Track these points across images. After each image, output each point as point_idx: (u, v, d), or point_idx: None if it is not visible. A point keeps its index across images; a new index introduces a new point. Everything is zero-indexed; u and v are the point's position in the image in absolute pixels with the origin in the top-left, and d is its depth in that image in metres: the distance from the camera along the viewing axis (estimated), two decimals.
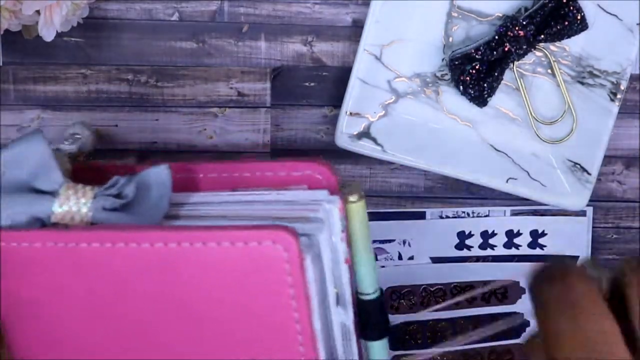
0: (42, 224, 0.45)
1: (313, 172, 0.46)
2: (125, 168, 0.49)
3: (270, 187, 0.46)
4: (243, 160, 0.48)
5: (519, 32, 0.60)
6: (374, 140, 0.63)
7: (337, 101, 0.64)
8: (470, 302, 0.68)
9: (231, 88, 0.65)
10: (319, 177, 0.46)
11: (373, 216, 0.67)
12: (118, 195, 0.45)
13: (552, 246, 0.68)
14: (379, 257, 0.67)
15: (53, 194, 0.45)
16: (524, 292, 0.68)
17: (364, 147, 0.63)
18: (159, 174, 0.45)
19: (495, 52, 0.61)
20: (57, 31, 0.56)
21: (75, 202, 0.45)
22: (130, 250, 0.42)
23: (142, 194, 0.45)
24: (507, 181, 0.64)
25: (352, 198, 0.46)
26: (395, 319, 0.67)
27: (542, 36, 0.60)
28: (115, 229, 0.43)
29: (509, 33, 0.60)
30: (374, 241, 0.67)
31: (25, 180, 0.45)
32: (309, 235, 0.42)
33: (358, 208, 0.46)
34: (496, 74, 0.61)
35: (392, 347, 0.68)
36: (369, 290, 0.47)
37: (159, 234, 0.41)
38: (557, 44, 0.63)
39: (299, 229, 0.41)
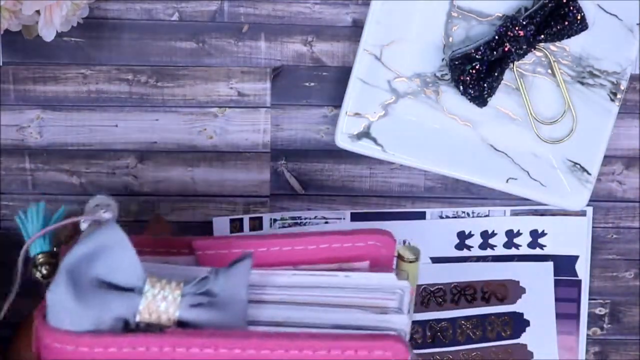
0: (126, 323, 0.42)
1: (376, 242, 0.47)
2: (181, 242, 0.47)
3: (332, 261, 0.46)
4: (306, 234, 0.48)
5: (519, 32, 0.60)
6: (374, 140, 0.63)
7: (337, 101, 0.64)
8: (470, 302, 0.68)
9: (231, 88, 0.65)
10: (380, 247, 0.47)
11: (373, 216, 0.67)
12: (205, 292, 0.42)
13: (552, 246, 0.68)
14: None
15: (136, 290, 0.42)
16: (524, 292, 0.68)
17: (364, 147, 0.63)
18: (244, 267, 0.43)
19: (495, 52, 0.61)
20: (57, 31, 0.56)
21: (162, 300, 0.42)
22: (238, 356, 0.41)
23: (227, 288, 0.43)
24: (507, 181, 0.64)
25: (410, 257, 0.48)
26: None
27: (542, 36, 0.60)
28: (226, 336, 0.41)
29: (509, 33, 0.60)
30: None
31: (101, 276, 0.42)
32: (399, 331, 0.43)
33: (414, 268, 0.48)
34: (496, 74, 0.61)
35: None
36: None
37: (272, 342, 0.40)
38: (557, 44, 0.63)
39: (385, 322, 0.42)
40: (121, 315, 0.42)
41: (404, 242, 0.66)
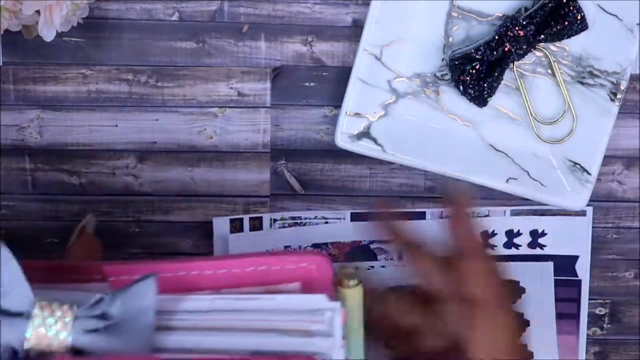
0: (14, 352, 0.39)
1: (309, 264, 0.42)
2: (90, 269, 0.42)
3: (260, 284, 0.42)
4: (233, 256, 0.44)
5: (519, 32, 0.60)
6: (374, 140, 0.63)
7: (337, 101, 0.64)
8: None
9: (231, 88, 0.65)
10: (313, 270, 0.42)
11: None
12: (101, 315, 0.39)
13: (552, 246, 0.68)
14: (379, 257, 0.67)
15: (24, 315, 0.39)
16: (524, 292, 0.68)
17: (364, 147, 0.63)
18: (146, 288, 0.39)
19: (495, 52, 0.61)
20: (57, 31, 0.56)
21: (52, 325, 0.39)
22: None
23: (127, 312, 0.39)
24: (507, 181, 0.64)
25: (351, 282, 0.43)
26: None
27: (542, 36, 0.60)
28: None
29: (509, 33, 0.60)
30: (374, 241, 0.67)
31: None
32: (321, 354, 0.40)
33: (354, 293, 0.43)
34: (496, 74, 0.61)
35: None
36: None
37: None
38: (557, 44, 0.63)
39: (309, 346, 0.39)
40: (8, 343, 0.39)
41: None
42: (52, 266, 0.43)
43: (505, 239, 0.68)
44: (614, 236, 0.69)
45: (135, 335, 0.39)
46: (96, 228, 0.64)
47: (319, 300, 0.41)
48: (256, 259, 0.42)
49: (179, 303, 0.41)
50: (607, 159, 0.66)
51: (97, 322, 0.39)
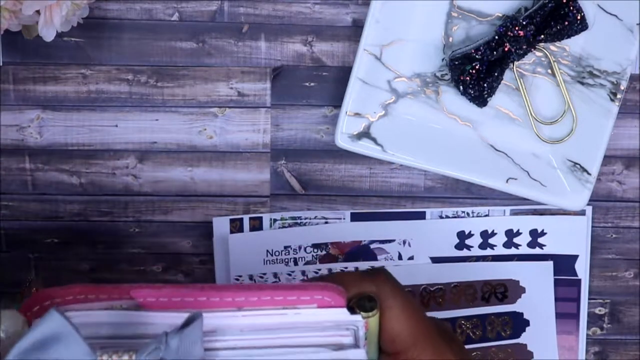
0: None
1: (324, 297, 0.43)
2: (121, 291, 0.44)
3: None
4: (250, 286, 0.46)
5: (519, 32, 0.60)
6: (374, 140, 0.63)
7: (337, 101, 0.64)
8: (470, 302, 0.68)
9: (231, 88, 0.65)
10: (329, 300, 0.44)
11: (373, 216, 0.67)
12: None
13: (552, 246, 0.68)
14: (379, 257, 0.67)
15: None
16: (524, 292, 0.68)
17: (364, 147, 0.63)
18: (196, 328, 0.41)
19: (495, 52, 0.61)
20: (57, 31, 0.56)
21: None
22: None
23: (180, 353, 0.41)
24: (507, 181, 0.64)
25: (371, 312, 0.44)
26: None
27: (542, 36, 0.60)
28: None
29: (509, 33, 0.60)
30: (374, 241, 0.67)
31: None
32: None
33: (375, 321, 0.45)
34: (496, 74, 0.61)
35: None
36: None
37: None
38: (557, 44, 0.63)
39: (342, 356, 0.41)
40: None
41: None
42: (82, 289, 0.44)
43: (505, 239, 0.68)
44: (614, 236, 0.69)
45: None
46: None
47: (342, 313, 0.43)
48: (272, 291, 0.43)
49: (214, 321, 0.43)
50: (607, 159, 0.66)
51: None
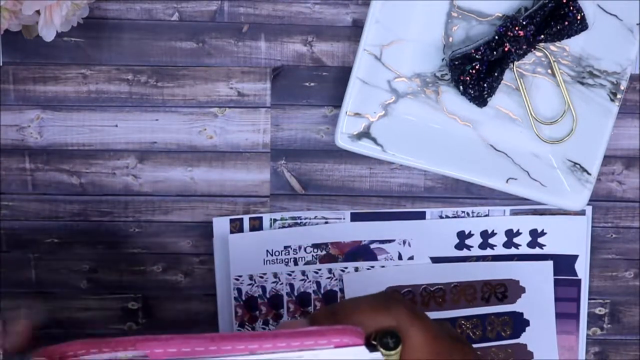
0: None
1: (341, 339, 0.42)
2: (126, 343, 0.43)
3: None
4: (263, 333, 0.45)
5: (519, 32, 0.60)
6: (374, 140, 0.63)
7: (337, 101, 0.64)
8: (470, 302, 0.68)
9: (231, 88, 0.65)
10: (347, 341, 0.42)
11: (373, 216, 0.67)
12: None
13: (552, 246, 0.68)
14: (379, 257, 0.67)
15: None
16: (524, 292, 0.68)
17: (364, 147, 0.63)
18: None
19: (495, 52, 0.61)
20: (57, 31, 0.56)
21: None
22: None
23: None
24: (507, 181, 0.64)
25: (393, 352, 0.43)
26: None
27: (542, 36, 0.61)
28: None
29: (509, 33, 0.60)
30: (374, 241, 0.67)
31: None
32: None
33: (397, 357, 0.43)
34: (496, 74, 0.61)
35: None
36: None
37: None
38: (557, 44, 0.63)
39: None
40: None
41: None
42: (82, 346, 0.43)
43: (505, 239, 0.68)
44: (614, 236, 0.69)
45: None
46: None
47: (361, 352, 0.42)
48: (288, 338, 0.42)
49: None
50: (607, 159, 0.66)
51: None
